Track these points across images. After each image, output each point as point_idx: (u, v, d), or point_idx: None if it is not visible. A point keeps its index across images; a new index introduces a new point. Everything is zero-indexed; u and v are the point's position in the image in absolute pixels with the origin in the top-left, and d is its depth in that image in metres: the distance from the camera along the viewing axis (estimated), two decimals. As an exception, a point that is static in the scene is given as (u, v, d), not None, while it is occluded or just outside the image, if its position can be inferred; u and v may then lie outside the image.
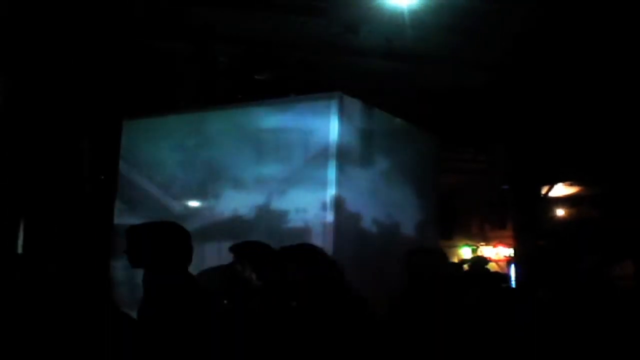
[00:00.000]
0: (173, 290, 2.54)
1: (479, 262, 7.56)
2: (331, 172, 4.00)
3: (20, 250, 5.70)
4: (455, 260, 16.30)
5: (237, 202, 4.38)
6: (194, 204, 4.63)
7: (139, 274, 2.78)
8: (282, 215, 4.16)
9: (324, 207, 3.98)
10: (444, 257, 3.58)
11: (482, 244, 16.46)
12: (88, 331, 2.51)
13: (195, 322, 2.46)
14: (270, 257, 2.91)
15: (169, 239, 2.66)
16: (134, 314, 2.64)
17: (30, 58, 5.76)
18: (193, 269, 2.72)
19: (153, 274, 2.60)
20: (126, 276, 4.10)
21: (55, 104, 6.04)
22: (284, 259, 2.65)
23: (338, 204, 3.97)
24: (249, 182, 4.35)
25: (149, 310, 2.54)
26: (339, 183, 3.99)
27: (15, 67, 5.67)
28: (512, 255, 12.86)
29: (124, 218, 4.84)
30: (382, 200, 4.59)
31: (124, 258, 2.75)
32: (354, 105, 4.26)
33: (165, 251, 2.62)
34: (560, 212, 14.55)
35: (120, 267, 4.43)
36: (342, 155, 4.05)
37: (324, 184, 3.99)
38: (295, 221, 4.08)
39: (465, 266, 6.46)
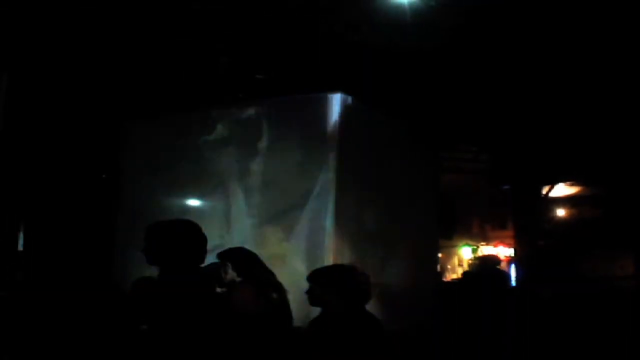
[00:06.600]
0: (187, 289, 2.56)
1: (490, 261, 7.35)
2: (331, 172, 3.99)
3: (20, 249, 5.71)
4: (456, 260, 16.36)
5: (236, 202, 4.38)
6: (194, 203, 4.63)
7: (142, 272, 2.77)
8: (282, 216, 4.15)
9: (323, 207, 3.97)
10: None
11: (482, 243, 16.46)
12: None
13: (209, 321, 2.49)
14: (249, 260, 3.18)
15: (186, 237, 2.67)
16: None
17: (32, 59, 5.77)
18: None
19: (168, 273, 2.60)
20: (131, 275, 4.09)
21: (56, 104, 6.05)
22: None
23: (338, 205, 3.97)
24: (249, 182, 4.35)
25: (164, 309, 2.53)
26: (338, 183, 3.98)
27: (17, 68, 5.67)
28: (513, 255, 12.86)
29: (123, 218, 4.84)
30: (382, 200, 4.59)
31: (141, 255, 2.76)
32: (354, 105, 4.25)
33: (182, 250, 2.63)
34: (560, 212, 14.55)
35: (123, 265, 4.44)
36: (342, 155, 4.05)
37: (324, 184, 3.99)
38: (295, 222, 4.07)
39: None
